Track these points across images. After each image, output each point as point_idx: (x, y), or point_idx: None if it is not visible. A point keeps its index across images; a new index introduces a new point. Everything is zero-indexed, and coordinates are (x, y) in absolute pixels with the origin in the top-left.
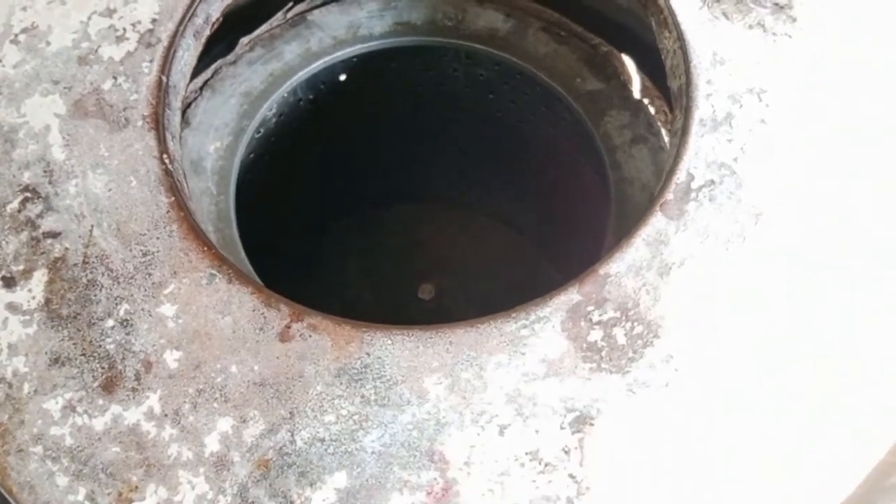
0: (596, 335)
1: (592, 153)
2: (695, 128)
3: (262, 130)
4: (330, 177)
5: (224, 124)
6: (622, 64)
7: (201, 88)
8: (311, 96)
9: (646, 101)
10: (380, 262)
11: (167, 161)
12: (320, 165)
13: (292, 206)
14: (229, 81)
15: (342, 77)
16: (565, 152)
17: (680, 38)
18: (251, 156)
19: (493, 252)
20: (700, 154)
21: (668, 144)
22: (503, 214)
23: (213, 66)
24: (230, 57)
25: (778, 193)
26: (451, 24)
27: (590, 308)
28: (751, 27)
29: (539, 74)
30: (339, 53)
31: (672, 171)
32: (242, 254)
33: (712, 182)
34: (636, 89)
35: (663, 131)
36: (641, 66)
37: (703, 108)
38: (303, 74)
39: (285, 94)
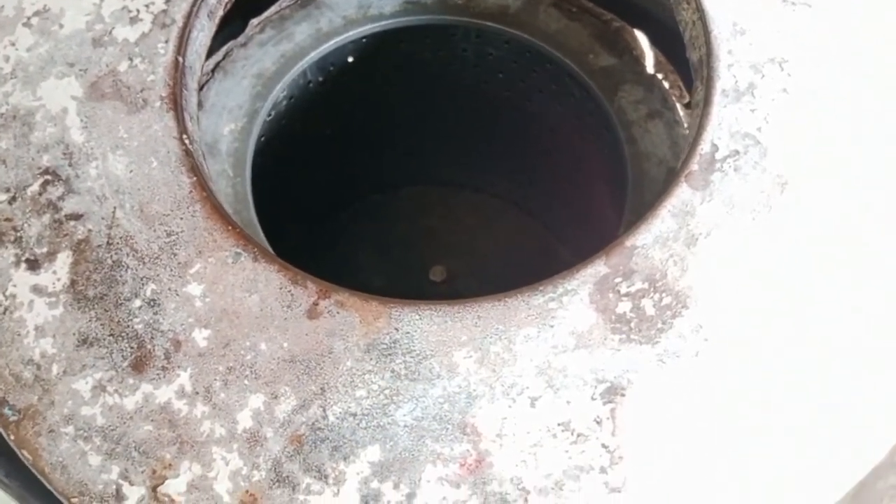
0: (624, 307)
1: (605, 130)
2: (717, 98)
3: (272, 113)
4: (339, 160)
5: (238, 106)
6: (634, 39)
7: (213, 70)
8: (320, 78)
9: (659, 75)
10: (391, 245)
11: (187, 141)
12: (330, 148)
13: (302, 190)
14: (241, 63)
15: (351, 59)
16: (576, 130)
17: (699, 8)
18: (262, 139)
19: (504, 233)
20: (723, 124)
21: (682, 119)
22: (513, 195)
23: (224, 48)
24: (241, 38)
25: (803, 162)
26: (461, 2)
27: (617, 280)
28: None
29: (551, 51)
30: (350, 33)
31: (696, 142)
32: (261, 234)
33: (737, 152)
34: (649, 64)
35: (678, 106)
36: (654, 41)
37: (724, 78)
38: (314, 55)
39: (296, 76)
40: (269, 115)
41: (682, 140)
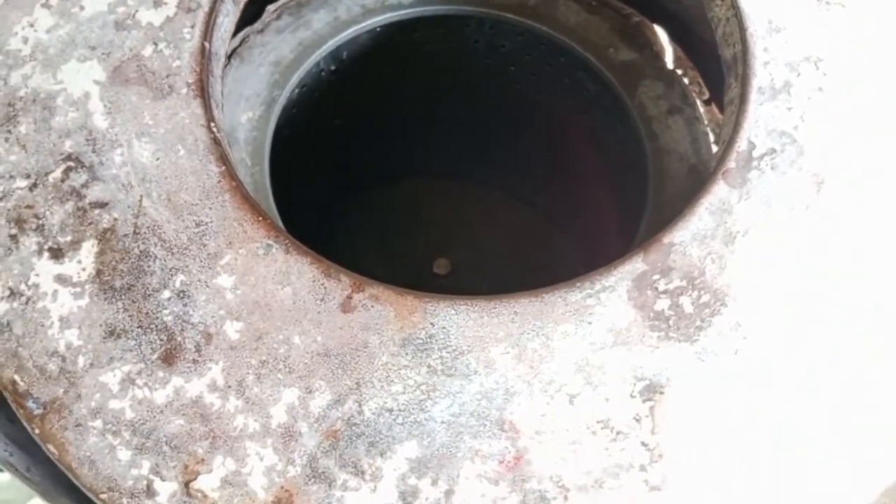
0: (663, 304)
1: (622, 125)
2: (753, 96)
3: (285, 102)
4: (345, 150)
5: (255, 94)
6: (654, 34)
7: (229, 57)
8: (332, 67)
9: (679, 71)
10: (395, 237)
11: (215, 130)
12: (338, 138)
13: (308, 179)
14: (258, 50)
15: (364, 47)
16: (587, 126)
17: (734, 6)
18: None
19: (508, 227)
20: (760, 122)
21: (703, 116)
22: (518, 189)
23: (240, 34)
24: (257, 24)
25: (839, 161)
26: None
27: (655, 277)
28: None
29: (570, 44)
30: (367, 22)
31: (733, 140)
32: (281, 225)
33: (773, 150)
34: (669, 60)
35: (698, 102)
36: (673, 37)
37: (761, 76)
38: (333, 43)
39: (310, 65)
40: (284, 103)
41: (703, 137)
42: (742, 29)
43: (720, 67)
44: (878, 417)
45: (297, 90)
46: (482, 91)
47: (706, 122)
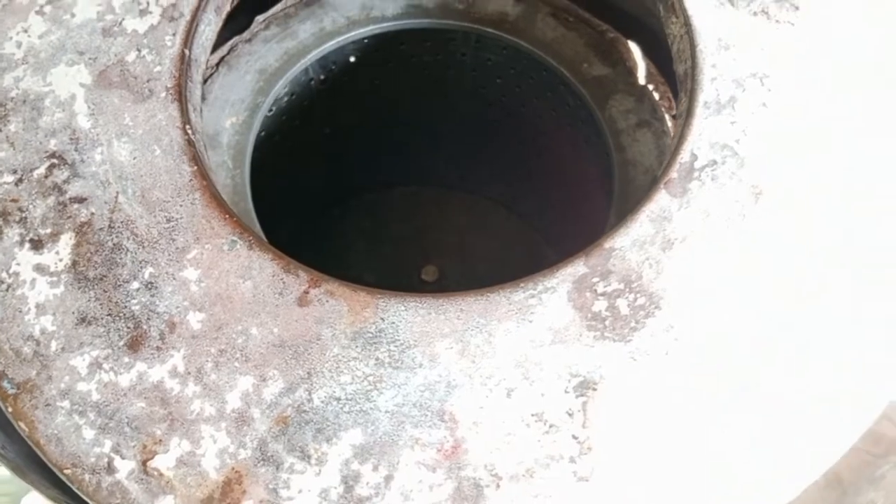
0: (600, 305)
1: (596, 137)
2: (699, 110)
3: (273, 109)
4: (335, 158)
5: (240, 100)
6: (628, 50)
7: (217, 64)
8: (321, 76)
9: (650, 86)
10: (383, 244)
11: (190, 132)
12: (326, 146)
13: (297, 187)
14: (245, 58)
15: (352, 58)
16: (568, 137)
17: (687, 23)
18: (262, 134)
19: (496, 235)
20: (704, 135)
21: (670, 130)
22: (505, 198)
23: (229, 43)
24: (245, 34)
25: (778, 174)
26: (461, 8)
27: (595, 280)
28: (755, 14)
29: (546, 59)
30: (352, 34)
31: (676, 151)
32: (258, 226)
33: (715, 162)
34: (641, 75)
35: (667, 117)
36: (647, 53)
37: (707, 91)
38: (316, 53)
39: (298, 73)
40: (270, 110)
41: (669, 150)
42: (693, 46)
43: (683, 97)
44: (802, 417)
45: (286, 98)
46: (470, 102)
47: (672, 135)
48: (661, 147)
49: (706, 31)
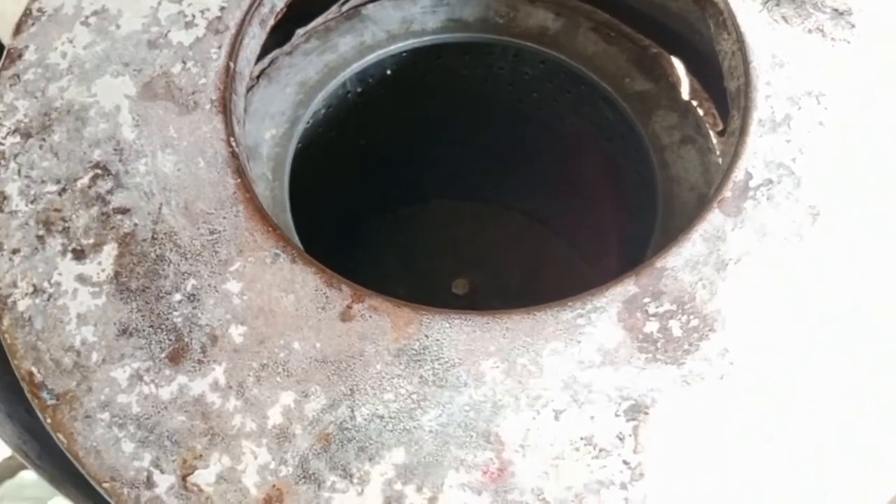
0: (652, 326)
1: (637, 153)
2: (753, 128)
3: (310, 121)
4: (371, 169)
5: (280, 112)
6: (671, 66)
7: (258, 77)
8: (359, 89)
9: (694, 102)
10: (416, 256)
11: (234, 144)
12: (361, 158)
13: (332, 197)
14: (285, 71)
15: (389, 71)
16: (607, 152)
17: (739, 39)
18: (299, 146)
19: (529, 250)
20: (759, 154)
21: (715, 147)
22: (540, 212)
23: (270, 55)
24: (286, 47)
25: (835, 194)
26: (502, 22)
27: (646, 300)
28: (810, 31)
29: (588, 73)
30: (392, 47)
31: (730, 170)
32: (297, 238)
33: (770, 181)
34: (685, 91)
35: (711, 133)
36: (690, 69)
37: (762, 108)
38: (356, 67)
39: (336, 86)
40: (308, 122)
41: (714, 167)
42: (746, 62)
43: (736, 114)
44: (863, 447)
45: (323, 110)
46: (506, 115)
47: (718, 152)
48: (706, 164)
49: (760, 48)
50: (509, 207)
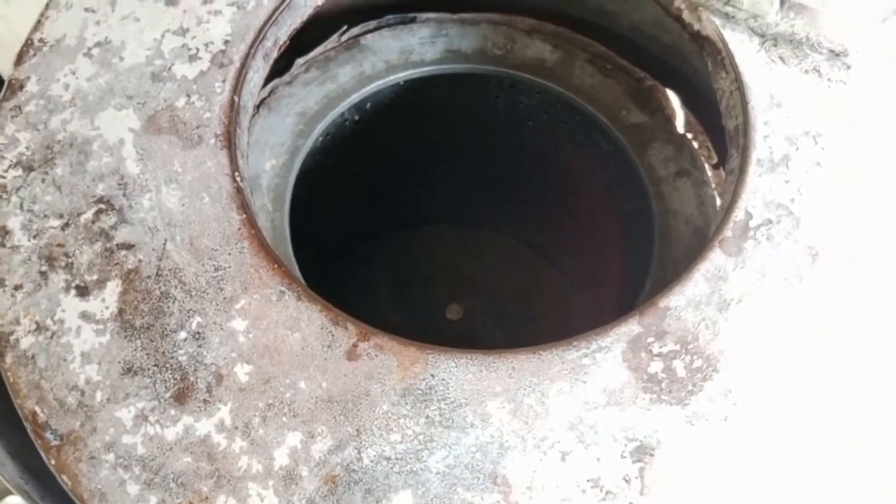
0: (656, 367)
1: (631, 184)
2: (752, 167)
3: (309, 149)
4: (366, 197)
5: (280, 143)
6: (666, 98)
7: (258, 107)
8: (356, 117)
9: (689, 135)
10: (409, 282)
11: (238, 179)
12: (358, 185)
13: (327, 222)
14: (285, 101)
15: (387, 100)
16: (602, 182)
17: (737, 79)
18: (297, 173)
19: (522, 276)
20: (758, 193)
21: (710, 179)
22: (533, 239)
23: (269, 85)
24: (286, 77)
25: (834, 235)
26: (500, 54)
27: (650, 340)
28: (807, 72)
29: (584, 105)
30: (390, 78)
31: (731, 209)
32: (297, 270)
33: (770, 221)
34: (680, 124)
35: (706, 166)
36: (685, 102)
37: (760, 148)
38: (356, 97)
39: (335, 115)
40: (308, 151)
41: (710, 200)
42: (744, 102)
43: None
44: (861, 480)
45: (321, 138)
46: (501, 144)
47: (714, 185)
48: (702, 197)
49: (757, 88)
50: (503, 233)
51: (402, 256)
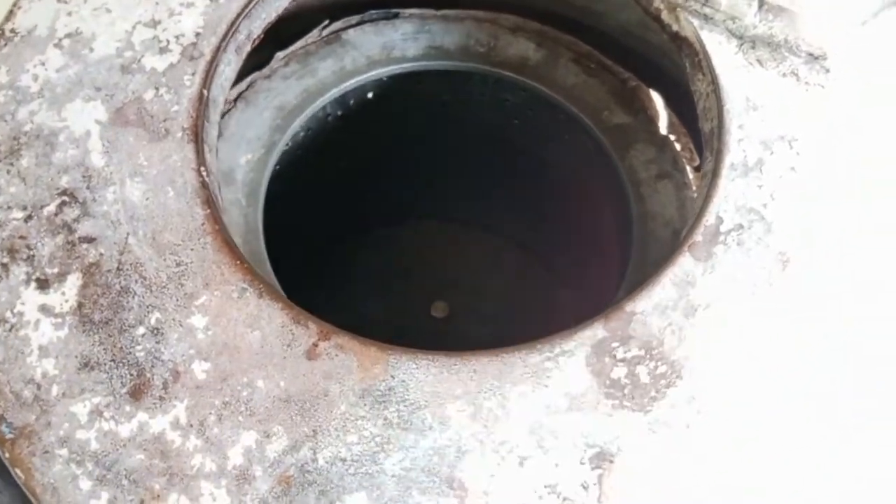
0: (619, 372)
1: (615, 185)
2: (725, 171)
3: (289, 144)
4: (349, 192)
5: (256, 137)
6: (650, 99)
7: (235, 100)
8: (339, 112)
9: (672, 137)
10: (394, 279)
11: (204, 173)
12: (340, 181)
13: (309, 218)
14: (263, 95)
15: (370, 95)
16: (586, 181)
17: (714, 81)
18: (276, 167)
19: (508, 273)
20: (730, 198)
21: (692, 182)
22: (519, 237)
23: (248, 79)
24: (265, 70)
25: (806, 241)
26: (482, 51)
27: (615, 345)
28: (784, 75)
29: (566, 104)
30: (371, 73)
31: (701, 214)
32: (268, 266)
33: (741, 226)
34: (663, 125)
35: (688, 168)
36: (669, 103)
37: (734, 152)
38: (336, 92)
39: (316, 110)
40: (287, 145)
41: (690, 203)
42: (720, 105)
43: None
44: (826, 495)
45: (302, 133)
46: (486, 140)
47: (695, 188)
48: (682, 199)
49: (734, 91)
50: (488, 230)
51: (387, 253)
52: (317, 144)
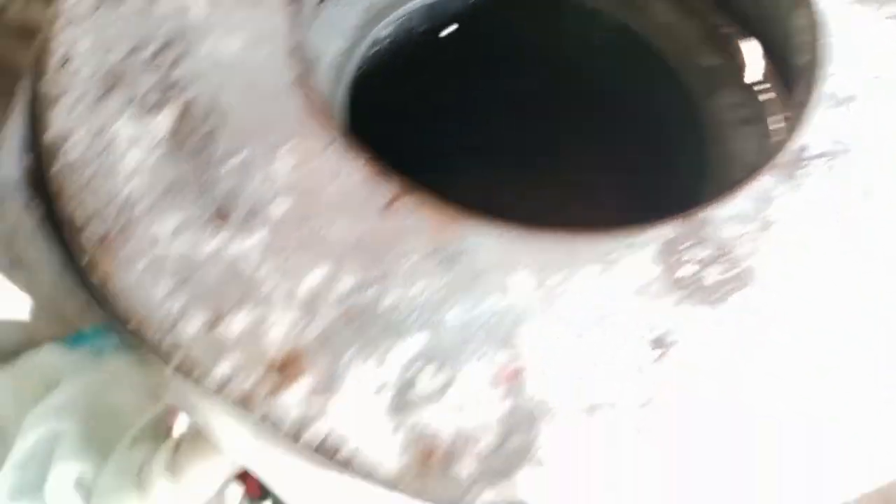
0: (686, 270)
1: (696, 128)
2: (815, 102)
3: (374, 49)
4: (412, 123)
5: (344, 30)
6: (741, 46)
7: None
8: (423, 28)
9: (760, 86)
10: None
11: (299, 35)
12: (407, 108)
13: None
14: None
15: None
16: (666, 125)
17: (814, 16)
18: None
19: (573, 214)
20: (818, 127)
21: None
22: (589, 183)
23: None
24: None
25: (890, 175)
26: None
27: (686, 244)
28: (888, 17)
29: (655, 43)
30: None
31: (787, 139)
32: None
33: (826, 154)
34: (753, 73)
35: (773, 118)
36: (763, 53)
37: (826, 85)
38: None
39: (402, 19)
40: (371, 49)
41: (772, 151)
42: (817, 39)
43: (801, 88)
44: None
45: (388, 41)
46: (568, 81)
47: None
48: (763, 147)
49: (834, 27)
50: (559, 176)
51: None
52: (394, 59)
